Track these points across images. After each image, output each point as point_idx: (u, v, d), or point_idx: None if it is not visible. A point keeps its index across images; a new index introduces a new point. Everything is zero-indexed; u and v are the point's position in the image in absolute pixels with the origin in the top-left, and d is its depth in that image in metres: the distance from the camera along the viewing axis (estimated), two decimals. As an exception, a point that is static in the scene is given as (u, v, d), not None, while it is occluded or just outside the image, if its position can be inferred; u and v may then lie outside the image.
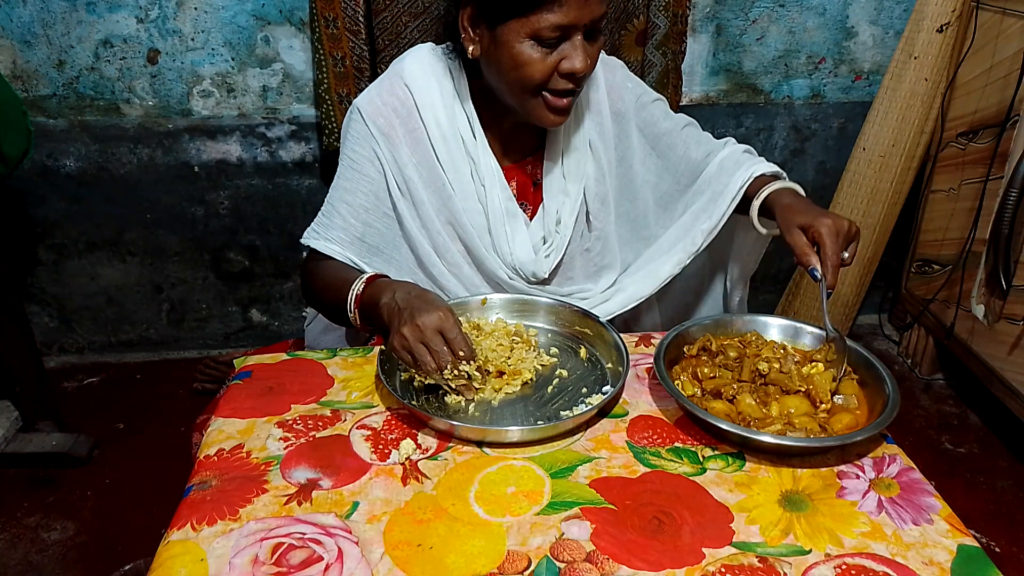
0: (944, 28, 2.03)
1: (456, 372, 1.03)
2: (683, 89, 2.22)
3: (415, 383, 1.08)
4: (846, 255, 1.10)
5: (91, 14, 1.99)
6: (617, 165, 1.34)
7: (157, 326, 2.42)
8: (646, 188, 1.37)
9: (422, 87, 1.21)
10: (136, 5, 1.98)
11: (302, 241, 1.28)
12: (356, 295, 1.15)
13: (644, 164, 1.36)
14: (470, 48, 1.14)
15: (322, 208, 1.28)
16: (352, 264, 1.25)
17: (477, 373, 1.05)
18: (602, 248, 1.36)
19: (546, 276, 1.30)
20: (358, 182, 1.24)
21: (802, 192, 1.23)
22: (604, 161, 1.31)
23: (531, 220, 1.30)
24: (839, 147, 2.38)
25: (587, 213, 1.32)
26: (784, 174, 1.29)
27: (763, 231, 1.26)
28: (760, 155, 1.34)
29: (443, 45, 1.24)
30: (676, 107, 2.18)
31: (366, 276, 1.17)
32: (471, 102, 1.22)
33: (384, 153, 1.22)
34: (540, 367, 1.13)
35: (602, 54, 1.32)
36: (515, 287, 1.29)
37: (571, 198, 1.29)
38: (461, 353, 1.03)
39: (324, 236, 1.26)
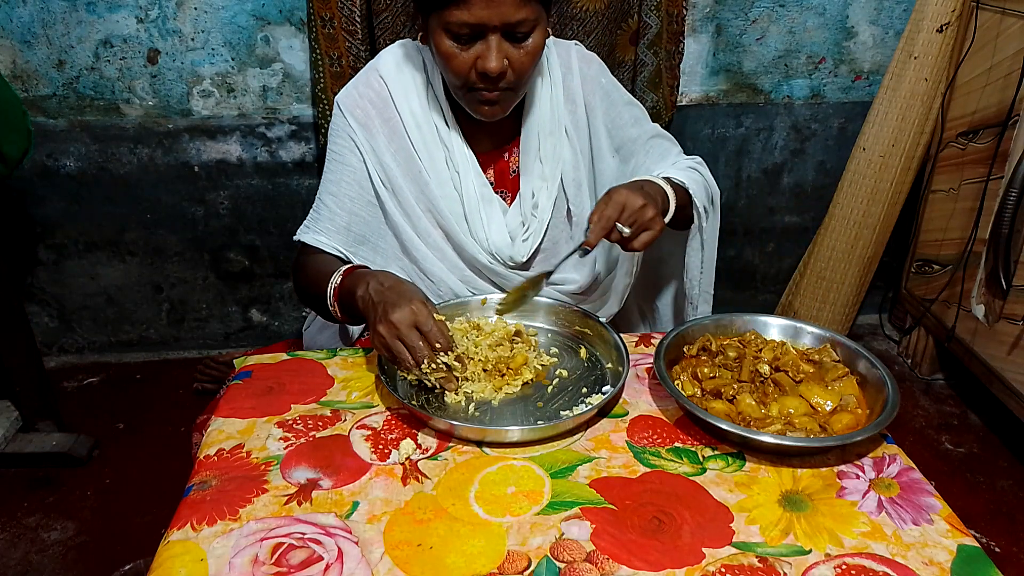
0: (944, 28, 2.03)
1: (434, 366, 1.02)
2: (683, 89, 2.22)
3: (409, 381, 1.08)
4: (626, 231, 1.09)
5: (91, 14, 1.98)
6: (590, 157, 1.34)
7: (157, 326, 2.42)
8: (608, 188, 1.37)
9: (396, 78, 1.24)
10: (136, 5, 1.98)
11: (295, 238, 1.30)
12: (335, 287, 1.15)
13: (608, 164, 1.36)
14: (419, 36, 1.18)
15: (313, 204, 1.29)
16: (339, 254, 1.27)
17: (456, 363, 1.04)
18: (581, 235, 1.35)
19: (524, 261, 1.30)
20: (342, 173, 1.27)
21: (664, 186, 1.20)
22: (579, 148, 1.31)
23: (510, 207, 1.31)
24: (839, 147, 2.37)
25: (566, 199, 1.32)
26: (686, 181, 1.26)
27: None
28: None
29: (420, 37, 1.26)
30: (673, 108, 2.18)
31: (344, 268, 1.16)
32: (444, 91, 1.24)
33: (363, 143, 1.25)
34: (540, 367, 1.13)
35: (580, 48, 1.32)
36: (495, 271, 1.29)
37: (548, 182, 1.29)
38: (438, 345, 1.02)
39: (313, 229, 1.28)
